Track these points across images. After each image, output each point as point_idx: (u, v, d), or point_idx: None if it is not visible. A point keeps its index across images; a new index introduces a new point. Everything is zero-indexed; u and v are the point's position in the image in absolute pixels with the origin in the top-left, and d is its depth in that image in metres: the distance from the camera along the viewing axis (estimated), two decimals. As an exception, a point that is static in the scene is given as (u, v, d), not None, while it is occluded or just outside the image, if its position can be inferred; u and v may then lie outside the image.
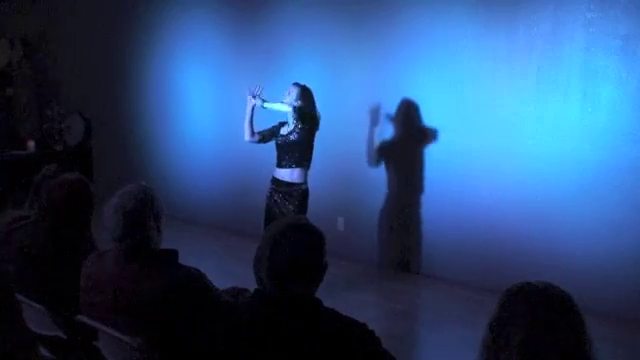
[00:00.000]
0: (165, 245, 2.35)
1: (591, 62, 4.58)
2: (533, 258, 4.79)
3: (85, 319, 2.26)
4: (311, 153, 4.63)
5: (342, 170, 5.88)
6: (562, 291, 1.60)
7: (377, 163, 5.68)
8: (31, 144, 8.18)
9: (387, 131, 5.60)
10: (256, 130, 4.63)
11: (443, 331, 4.37)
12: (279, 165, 4.62)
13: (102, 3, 7.85)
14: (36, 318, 2.50)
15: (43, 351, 2.56)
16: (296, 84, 4.59)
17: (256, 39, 6.45)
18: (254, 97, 4.57)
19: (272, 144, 4.67)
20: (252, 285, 1.93)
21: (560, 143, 4.75)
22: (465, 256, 5.24)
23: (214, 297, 2.24)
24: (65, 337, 2.41)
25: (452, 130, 5.22)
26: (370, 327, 1.86)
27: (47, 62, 8.68)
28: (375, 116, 5.61)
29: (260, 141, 4.63)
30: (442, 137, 5.29)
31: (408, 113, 5.44)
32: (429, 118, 5.34)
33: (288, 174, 4.58)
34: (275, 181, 4.63)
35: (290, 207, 4.54)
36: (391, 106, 5.50)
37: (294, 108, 4.47)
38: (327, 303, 1.87)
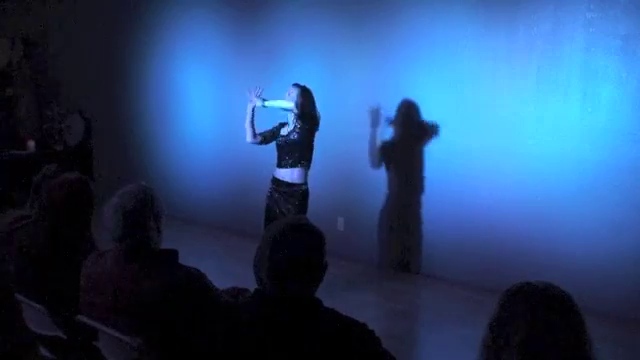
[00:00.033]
0: (165, 245, 2.35)
1: (591, 62, 4.58)
2: (533, 258, 4.79)
3: (85, 319, 2.26)
4: (311, 153, 4.63)
5: (342, 170, 5.88)
6: (562, 291, 1.60)
7: (377, 163, 5.68)
8: (31, 144, 8.17)
9: (387, 131, 5.60)
10: (257, 131, 4.64)
11: (443, 331, 4.36)
12: (279, 165, 4.62)
13: (102, 3, 7.85)
14: (36, 318, 2.50)
15: (43, 351, 2.56)
16: (296, 85, 4.59)
17: (256, 39, 6.45)
18: (255, 97, 4.57)
19: (273, 144, 4.68)
20: (252, 285, 1.93)
21: (560, 143, 4.75)
22: (465, 256, 5.24)
23: (214, 297, 2.24)
24: (65, 337, 2.41)
25: (452, 130, 5.22)
26: (370, 327, 1.86)
27: (47, 62, 8.68)
28: (375, 116, 5.61)
29: (262, 142, 4.65)
30: (442, 137, 5.29)
31: (408, 113, 5.44)
32: (429, 118, 5.34)
33: (288, 174, 4.58)
34: (275, 181, 4.63)
35: (290, 207, 4.54)
36: (391, 106, 5.50)
37: (296, 104, 4.46)
38: (327, 303, 1.87)
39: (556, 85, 4.74)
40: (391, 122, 5.54)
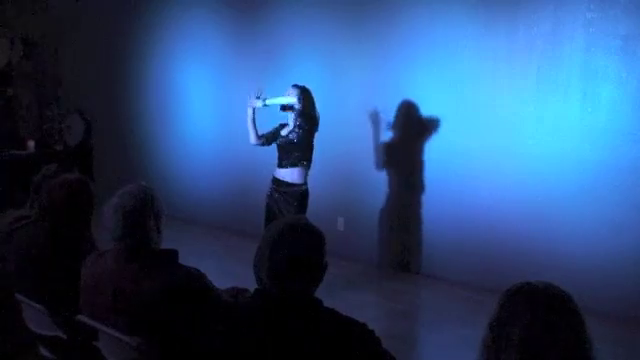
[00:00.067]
0: (165, 245, 2.35)
1: (591, 62, 4.58)
2: (533, 258, 4.79)
3: (85, 319, 2.26)
4: (311, 153, 4.63)
5: (342, 170, 5.88)
6: (562, 291, 1.60)
7: (377, 163, 5.68)
8: (31, 144, 8.17)
9: (387, 131, 5.60)
10: (259, 133, 4.65)
11: (443, 331, 4.37)
12: (279, 165, 4.63)
13: (102, 3, 7.85)
14: (36, 318, 2.50)
15: (43, 351, 2.56)
16: (295, 86, 4.59)
17: (256, 39, 6.45)
18: (254, 100, 4.57)
19: (274, 145, 4.69)
20: (252, 285, 1.93)
21: (560, 143, 4.75)
22: (465, 256, 5.24)
23: (214, 297, 2.24)
24: (65, 337, 2.41)
25: (452, 130, 5.22)
26: (370, 327, 1.85)
27: (47, 62, 8.68)
28: (375, 117, 5.61)
29: (264, 144, 4.67)
30: (442, 137, 5.29)
31: (408, 113, 5.44)
32: (429, 118, 5.34)
33: (288, 174, 4.58)
34: (275, 181, 4.64)
35: (290, 207, 4.54)
36: (391, 106, 5.50)
37: (298, 99, 4.46)
38: (327, 303, 1.87)
39: (556, 85, 4.74)
40: (391, 124, 5.54)
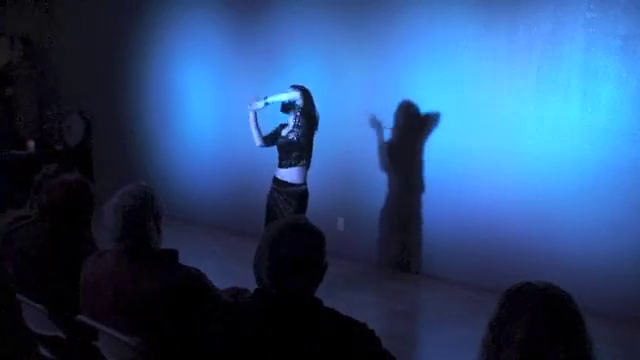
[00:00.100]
0: (165, 245, 2.35)
1: (591, 62, 4.58)
2: (533, 258, 4.79)
3: (85, 319, 2.26)
4: (310, 153, 4.63)
5: (342, 170, 5.88)
6: (562, 291, 1.60)
7: (377, 163, 5.67)
8: (31, 144, 8.18)
9: (387, 132, 5.59)
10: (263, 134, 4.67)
11: (443, 331, 4.37)
12: (279, 165, 4.64)
13: (102, 3, 7.85)
14: (36, 318, 2.49)
15: (43, 351, 2.56)
16: (294, 86, 4.58)
17: (256, 39, 6.45)
18: (254, 103, 4.57)
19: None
20: (252, 285, 1.93)
21: (560, 143, 4.75)
22: (465, 256, 5.24)
23: (214, 297, 2.24)
24: (65, 337, 2.41)
25: (452, 130, 5.22)
26: (370, 327, 1.85)
27: (47, 62, 8.68)
28: (374, 121, 5.61)
29: (268, 145, 4.68)
30: (442, 137, 5.29)
31: (408, 113, 5.44)
32: (429, 118, 5.34)
33: (287, 174, 4.59)
34: (276, 181, 4.65)
35: (289, 207, 4.54)
36: (391, 106, 5.50)
37: (300, 93, 4.46)
38: (327, 303, 1.87)
39: (556, 85, 4.74)
40: (391, 126, 5.54)
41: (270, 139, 4.67)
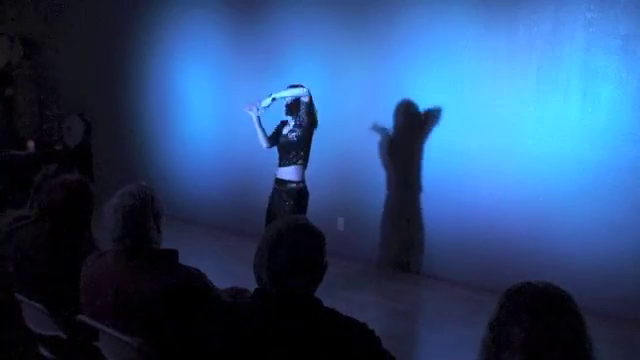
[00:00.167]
0: (165, 245, 2.35)
1: (591, 62, 4.58)
2: (533, 258, 4.79)
3: (85, 319, 2.26)
4: (308, 152, 4.62)
5: (342, 170, 5.88)
6: (562, 291, 1.60)
7: (377, 163, 5.67)
8: (31, 144, 8.18)
9: (387, 131, 5.59)
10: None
11: (443, 331, 4.37)
12: (279, 164, 4.64)
13: (102, 3, 7.85)
14: (36, 318, 2.49)
15: (43, 351, 2.56)
16: (293, 86, 4.57)
17: (256, 39, 6.45)
18: (255, 107, 4.56)
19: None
20: (252, 285, 1.93)
21: (560, 143, 4.75)
22: (465, 256, 5.24)
23: (214, 297, 2.24)
24: (65, 337, 2.41)
25: (452, 130, 5.22)
26: (370, 327, 1.85)
27: (47, 62, 8.68)
28: (374, 124, 5.61)
29: (274, 145, 4.68)
30: (442, 137, 5.29)
31: (408, 113, 5.44)
32: (429, 118, 5.34)
33: (286, 172, 4.59)
34: (276, 180, 4.65)
35: (285, 206, 4.52)
36: (391, 106, 5.50)
37: (307, 92, 4.45)
38: (327, 303, 1.87)
39: (556, 85, 4.74)
40: (391, 122, 5.54)
41: (274, 139, 4.67)
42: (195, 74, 7.08)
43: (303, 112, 4.48)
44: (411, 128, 5.46)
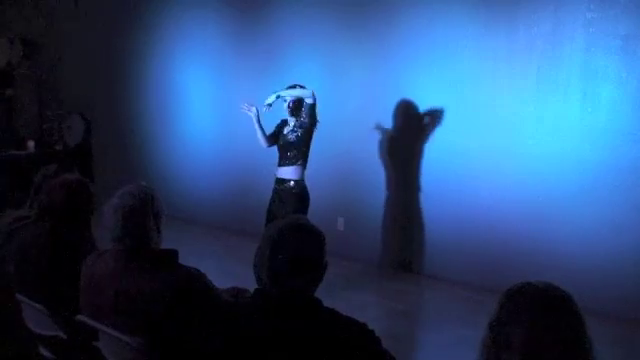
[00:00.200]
0: (165, 245, 2.35)
1: (591, 62, 4.58)
2: (533, 258, 4.79)
3: (85, 319, 2.25)
4: (307, 152, 4.62)
5: (342, 170, 5.88)
6: (562, 291, 1.60)
7: (377, 163, 5.67)
8: (31, 144, 8.18)
9: (387, 132, 5.59)
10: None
11: (443, 331, 4.36)
12: (279, 164, 4.64)
13: (102, 3, 7.85)
14: (36, 318, 2.49)
15: (43, 351, 2.56)
16: (292, 86, 4.57)
17: (256, 39, 6.45)
18: (255, 108, 4.56)
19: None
20: (252, 285, 1.93)
21: (560, 143, 4.75)
22: (465, 256, 5.24)
23: (214, 297, 2.24)
24: (65, 337, 2.41)
25: (452, 130, 5.23)
26: (370, 327, 1.85)
27: (47, 62, 8.68)
28: (377, 123, 5.61)
29: (274, 144, 4.68)
30: (442, 137, 5.29)
31: (408, 113, 5.44)
32: (429, 118, 5.34)
33: (285, 172, 4.59)
34: (276, 180, 4.65)
35: (286, 205, 4.52)
36: (391, 106, 5.50)
37: (311, 94, 4.44)
38: (327, 303, 1.87)
39: (556, 85, 4.74)
40: (391, 122, 5.54)
41: (274, 138, 4.67)
42: (195, 74, 7.08)
43: (305, 113, 4.48)
44: (411, 128, 5.46)
